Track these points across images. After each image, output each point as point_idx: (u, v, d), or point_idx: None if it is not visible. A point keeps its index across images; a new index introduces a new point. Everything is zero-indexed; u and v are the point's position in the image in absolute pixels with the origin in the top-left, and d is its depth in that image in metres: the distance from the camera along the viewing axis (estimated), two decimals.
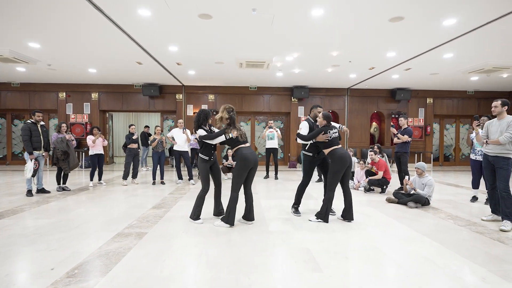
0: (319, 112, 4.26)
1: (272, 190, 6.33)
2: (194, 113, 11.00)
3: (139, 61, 7.61)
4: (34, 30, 5.54)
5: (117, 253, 2.85)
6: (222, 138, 3.76)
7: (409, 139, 6.16)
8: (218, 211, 4.15)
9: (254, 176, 3.87)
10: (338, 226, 3.80)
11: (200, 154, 3.97)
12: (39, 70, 8.75)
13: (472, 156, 5.22)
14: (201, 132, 3.81)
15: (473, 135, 5.08)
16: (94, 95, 10.91)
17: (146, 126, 10.70)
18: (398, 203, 5.08)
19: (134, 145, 6.88)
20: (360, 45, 6.27)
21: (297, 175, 8.86)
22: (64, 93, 10.80)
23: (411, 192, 5.17)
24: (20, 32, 5.64)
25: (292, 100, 11.29)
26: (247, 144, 3.78)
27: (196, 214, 3.89)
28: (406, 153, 6.20)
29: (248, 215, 3.88)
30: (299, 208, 4.43)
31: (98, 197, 5.46)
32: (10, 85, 10.61)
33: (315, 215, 4.04)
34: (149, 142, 6.88)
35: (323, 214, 3.93)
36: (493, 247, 3.11)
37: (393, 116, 11.52)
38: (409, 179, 5.39)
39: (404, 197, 5.05)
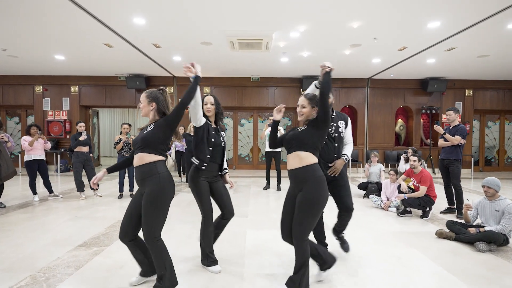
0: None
1: (270, 211, 4.66)
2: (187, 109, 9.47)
3: (107, 42, 6.10)
4: None
5: None
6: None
7: (463, 141, 4.37)
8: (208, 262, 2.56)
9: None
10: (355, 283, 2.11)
11: (193, 159, 2.53)
12: (2, 59, 7.43)
13: None
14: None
15: None
16: (74, 89, 9.54)
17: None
18: (456, 240, 3.32)
19: (83, 148, 5.37)
20: (392, 9, 4.50)
21: None
22: (41, 87, 9.49)
23: (474, 223, 3.41)
24: None
25: (302, 93, 9.54)
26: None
27: (209, 259, 2.48)
28: (457, 161, 4.40)
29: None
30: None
31: (24, 222, 3.96)
32: None
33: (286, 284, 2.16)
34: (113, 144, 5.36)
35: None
36: None
37: (423, 111, 9.58)
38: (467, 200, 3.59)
39: (467, 232, 3.27)
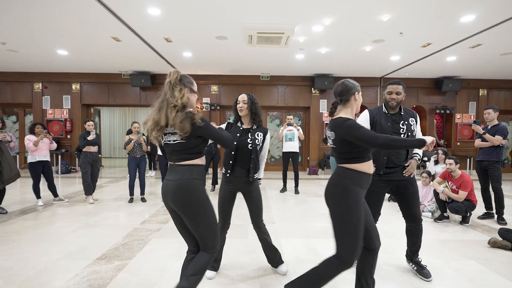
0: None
1: (296, 217, 4.32)
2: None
3: (115, 36, 5.72)
4: None
5: None
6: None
7: (504, 141, 4.08)
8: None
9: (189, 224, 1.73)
10: None
11: None
12: (1, 54, 7.01)
13: None
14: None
15: None
16: (75, 86, 9.11)
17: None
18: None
19: (92, 148, 4.98)
20: (426, 2, 4.21)
21: (322, 186, 6.84)
22: (40, 84, 9.05)
23: None
24: None
25: (313, 92, 9.25)
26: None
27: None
28: (498, 163, 4.11)
29: None
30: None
31: (29, 230, 3.57)
32: None
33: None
34: (124, 145, 4.98)
35: None
36: None
37: (437, 111, 9.35)
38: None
39: None
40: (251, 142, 2.27)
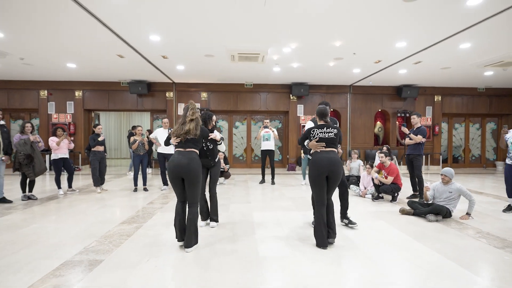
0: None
1: (268, 199, 5.56)
2: None
3: (120, 54, 6.86)
4: None
5: None
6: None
7: (423, 139, 5.40)
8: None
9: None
10: (344, 249, 3.03)
11: None
12: (15, 66, 8.00)
13: (508, 161, 4.45)
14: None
15: (509, 135, 4.36)
16: (78, 93, 10.14)
17: (134, 127, 9.93)
18: (414, 214, 4.32)
19: (100, 148, 6.10)
20: (367, 32, 5.52)
21: (296, 179, 8.10)
22: (46, 91, 10.04)
23: (430, 202, 4.41)
24: None
25: (291, 98, 10.53)
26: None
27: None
28: (419, 156, 5.44)
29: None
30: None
31: (63, 209, 4.70)
32: None
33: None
34: (129, 144, 6.10)
35: (318, 239, 3.08)
36: None
37: (398, 115, 10.76)
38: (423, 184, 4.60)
39: (421, 208, 4.29)
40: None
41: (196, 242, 3.02)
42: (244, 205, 4.97)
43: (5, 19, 4.96)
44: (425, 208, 4.21)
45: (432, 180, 7.94)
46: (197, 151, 3.12)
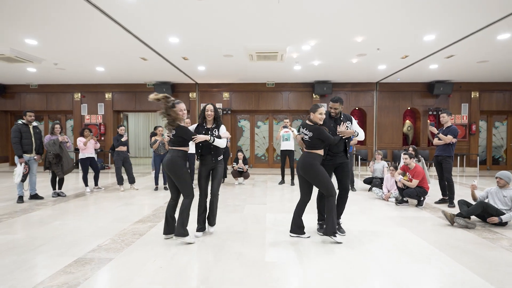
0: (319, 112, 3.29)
1: (285, 200, 5.45)
2: None
3: (143, 56, 7.08)
4: (32, 27, 5.33)
5: None
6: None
7: (454, 140, 5.00)
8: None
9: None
10: (359, 259, 2.86)
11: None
12: (50, 71, 8.58)
13: None
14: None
15: None
16: (108, 95, 10.66)
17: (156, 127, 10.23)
18: (457, 215, 3.86)
19: (123, 148, 6.31)
20: (391, 26, 5.20)
21: None
22: (79, 94, 10.67)
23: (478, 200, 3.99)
24: (19, 30, 5.40)
25: (314, 96, 10.28)
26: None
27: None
28: (449, 157, 5.03)
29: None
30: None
31: (86, 206, 4.93)
32: (29, 87, 10.67)
33: (321, 231, 3.43)
34: (151, 144, 6.29)
35: (330, 228, 3.20)
36: None
37: (430, 113, 10.09)
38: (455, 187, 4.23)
39: (467, 209, 3.88)
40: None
41: (183, 234, 3.12)
42: (259, 206, 4.90)
43: (38, 28, 5.32)
44: (473, 207, 3.83)
45: (467, 183, 7.35)
46: (181, 149, 3.18)
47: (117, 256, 2.83)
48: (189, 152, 3.35)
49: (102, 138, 10.65)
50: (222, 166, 3.55)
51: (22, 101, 10.83)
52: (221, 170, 3.51)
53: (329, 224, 3.17)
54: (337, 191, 3.48)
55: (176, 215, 3.28)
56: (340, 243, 3.19)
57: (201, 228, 3.49)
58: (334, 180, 3.61)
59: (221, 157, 3.55)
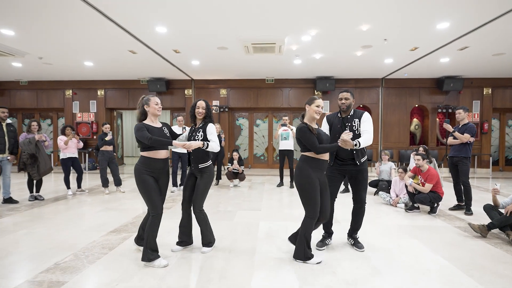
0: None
1: (281, 206, 4.94)
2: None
3: (131, 49, 6.59)
4: (6, 16, 4.86)
5: None
6: None
7: (472, 139, 4.46)
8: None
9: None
10: (363, 279, 2.35)
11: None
12: (37, 66, 8.12)
13: None
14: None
15: None
16: (100, 92, 10.20)
17: None
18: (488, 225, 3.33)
19: (109, 147, 5.83)
20: (399, 12, 4.66)
21: None
22: (71, 91, 10.22)
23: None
24: None
25: (316, 93, 9.74)
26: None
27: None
28: (466, 159, 4.49)
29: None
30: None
31: (63, 211, 4.46)
32: (19, 84, 10.24)
33: (293, 256, 2.75)
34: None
35: (297, 251, 2.71)
36: None
37: (439, 111, 9.50)
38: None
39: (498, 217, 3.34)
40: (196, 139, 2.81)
41: (149, 259, 2.56)
42: (252, 213, 4.40)
43: (12, 17, 4.86)
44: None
45: (480, 186, 6.79)
46: (144, 155, 2.65)
47: (71, 280, 2.34)
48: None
49: (94, 137, 10.19)
50: (209, 175, 2.86)
51: (12, 98, 10.40)
52: (205, 181, 2.83)
53: (298, 246, 2.67)
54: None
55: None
56: (319, 262, 2.66)
57: (181, 242, 2.99)
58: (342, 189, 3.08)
59: (207, 164, 2.85)
